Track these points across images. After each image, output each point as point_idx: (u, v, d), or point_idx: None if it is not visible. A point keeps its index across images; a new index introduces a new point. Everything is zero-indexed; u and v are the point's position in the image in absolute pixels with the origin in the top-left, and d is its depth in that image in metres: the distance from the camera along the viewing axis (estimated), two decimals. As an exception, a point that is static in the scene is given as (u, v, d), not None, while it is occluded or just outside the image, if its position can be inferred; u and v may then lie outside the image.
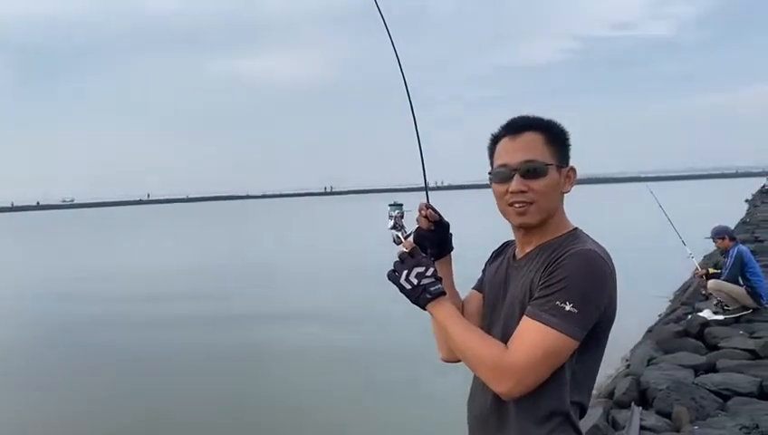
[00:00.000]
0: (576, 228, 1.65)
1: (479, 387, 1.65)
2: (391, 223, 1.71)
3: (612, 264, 1.53)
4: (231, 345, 10.26)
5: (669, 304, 10.74)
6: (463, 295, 1.87)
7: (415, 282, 1.61)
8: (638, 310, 9.31)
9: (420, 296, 1.60)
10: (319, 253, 24.63)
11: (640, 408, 4.87)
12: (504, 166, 1.61)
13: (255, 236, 38.43)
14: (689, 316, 7.83)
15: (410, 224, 1.77)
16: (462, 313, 1.77)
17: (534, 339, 1.46)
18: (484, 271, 1.85)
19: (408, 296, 1.63)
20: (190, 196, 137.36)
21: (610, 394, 5.60)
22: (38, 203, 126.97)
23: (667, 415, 4.72)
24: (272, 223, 50.86)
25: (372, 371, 8.39)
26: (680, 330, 7.29)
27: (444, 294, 1.63)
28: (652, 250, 15.54)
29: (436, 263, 1.78)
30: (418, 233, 1.79)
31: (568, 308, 1.44)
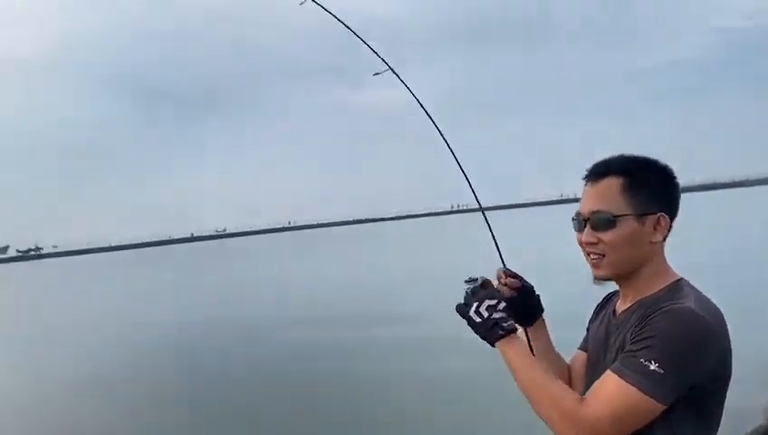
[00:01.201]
0: (679, 280, 1.50)
1: None
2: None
3: (720, 321, 1.38)
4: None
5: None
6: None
7: (485, 314, 1.54)
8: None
9: (491, 331, 1.53)
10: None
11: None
12: (578, 214, 1.54)
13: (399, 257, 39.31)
14: None
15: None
16: (568, 376, 1.72)
17: (612, 394, 1.34)
18: (588, 329, 1.73)
19: (476, 331, 1.56)
20: (333, 220, 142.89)
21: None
22: (192, 235, 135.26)
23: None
24: (410, 243, 52.05)
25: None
26: None
27: (515, 331, 1.55)
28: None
29: (528, 329, 1.76)
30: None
31: (653, 368, 1.31)
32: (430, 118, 2.00)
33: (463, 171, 1.98)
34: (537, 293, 1.78)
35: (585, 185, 1.54)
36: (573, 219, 1.56)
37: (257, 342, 14.42)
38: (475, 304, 1.55)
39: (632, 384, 1.32)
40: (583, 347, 1.71)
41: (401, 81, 2.02)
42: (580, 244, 1.53)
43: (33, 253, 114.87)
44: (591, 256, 1.52)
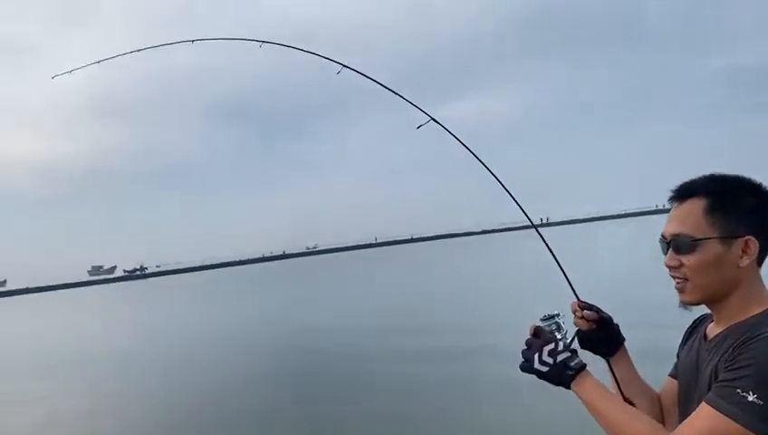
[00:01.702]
0: None
1: None
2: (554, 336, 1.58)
3: None
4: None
5: None
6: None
7: (550, 361, 1.49)
8: None
9: (563, 375, 1.48)
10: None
11: None
12: (662, 237, 1.49)
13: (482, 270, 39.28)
14: None
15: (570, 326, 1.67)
16: (659, 406, 1.65)
17: (706, 426, 1.27)
18: (678, 355, 1.66)
19: (549, 380, 1.51)
20: (414, 236, 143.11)
21: None
22: (284, 252, 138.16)
23: None
24: (497, 256, 51.57)
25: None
26: None
27: (585, 366, 1.50)
28: None
29: (611, 360, 1.71)
30: (581, 336, 1.70)
31: (751, 398, 1.22)
32: (477, 158, 2.09)
33: (508, 191, 2.03)
34: (616, 322, 1.73)
35: (671, 206, 1.49)
36: (660, 241, 1.51)
37: (361, 349, 14.97)
38: (536, 356, 1.51)
39: (729, 416, 1.24)
40: (673, 374, 1.64)
41: (445, 129, 2.13)
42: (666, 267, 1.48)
43: (138, 272, 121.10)
44: (676, 280, 1.47)
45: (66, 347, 23.20)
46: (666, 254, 1.48)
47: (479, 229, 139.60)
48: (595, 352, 1.67)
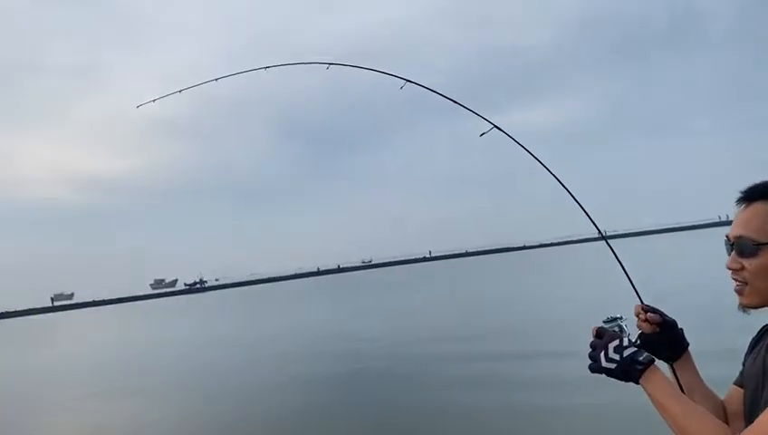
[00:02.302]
0: None
1: None
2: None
3: None
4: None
5: None
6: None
7: (617, 357, 1.49)
8: None
9: (631, 370, 1.47)
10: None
11: None
12: (726, 238, 1.48)
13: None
14: None
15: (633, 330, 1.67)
16: (723, 414, 1.60)
17: None
18: (743, 363, 1.62)
19: (617, 376, 1.50)
20: (468, 250, 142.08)
21: None
22: (339, 266, 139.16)
23: None
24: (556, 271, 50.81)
25: None
26: None
27: (653, 360, 1.49)
28: None
29: (675, 365, 1.69)
30: (645, 339, 1.68)
31: None
32: (543, 165, 2.10)
33: (577, 201, 2.02)
34: (680, 327, 1.71)
35: (737, 208, 1.48)
36: (725, 243, 1.49)
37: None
38: (603, 354, 1.50)
39: None
40: (739, 382, 1.60)
41: (509, 136, 2.16)
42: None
43: (198, 286, 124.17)
44: (736, 282, 1.46)
45: (131, 355, 24.11)
46: (729, 255, 1.47)
47: (537, 243, 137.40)
48: (658, 356, 1.63)
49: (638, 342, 1.64)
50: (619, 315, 1.62)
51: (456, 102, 2.36)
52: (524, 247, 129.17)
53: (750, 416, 1.40)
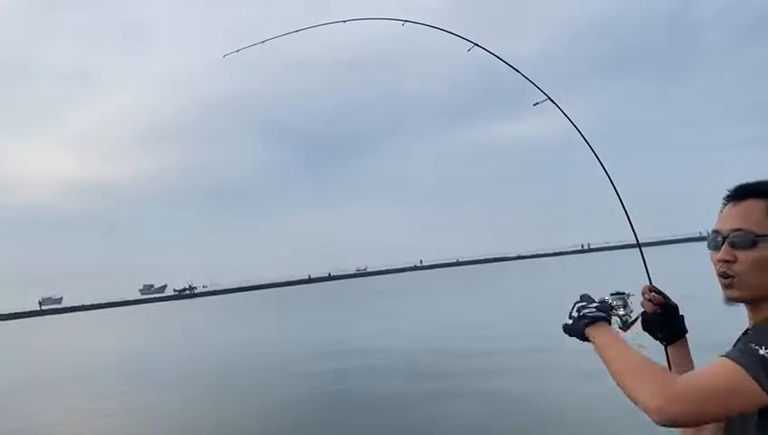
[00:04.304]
0: None
1: None
2: (620, 311, 1.66)
3: None
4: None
5: None
6: None
7: (576, 315, 1.58)
8: None
9: (578, 322, 1.55)
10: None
11: None
12: (715, 232, 1.49)
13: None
14: None
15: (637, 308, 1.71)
16: None
17: (712, 370, 1.29)
18: None
19: (570, 332, 1.59)
20: (460, 259, 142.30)
21: None
22: (329, 274, 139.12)
23: None
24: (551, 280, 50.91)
25: None
26: None
27: (605, 320, 1.55)
28: None
29: (669, 348, 1.74)
30: (644, 318, 1.73)
31: (762, 352, 1.26)
32: (591, 148, 2.11)
33: (622, 205, 2.03)
34: (682, 314, 1.75)
35: (725, 206, 1.50)
36: (708, 237, 1.52)
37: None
38: (570, 312, 1.60)
39: (735, 360, 1.26)
40: None
41: (560, 109, 2.21)
42: (715, 262, 1.48)
43: (187, 291, 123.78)
44: (725, 276, 1.46)
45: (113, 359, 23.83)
46: (716, 249, 1.48)
47: (528, 253, 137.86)
48: (655, 337, 1.69)
49: (639, 318, 1.69)
50: (626, 292, 1.68)
51: (517, 71, 2.39)
52: (521, 257, 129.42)
53: None
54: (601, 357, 1.47)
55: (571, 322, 1.57)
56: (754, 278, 1.41)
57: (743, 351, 1.28)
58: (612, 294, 1.67)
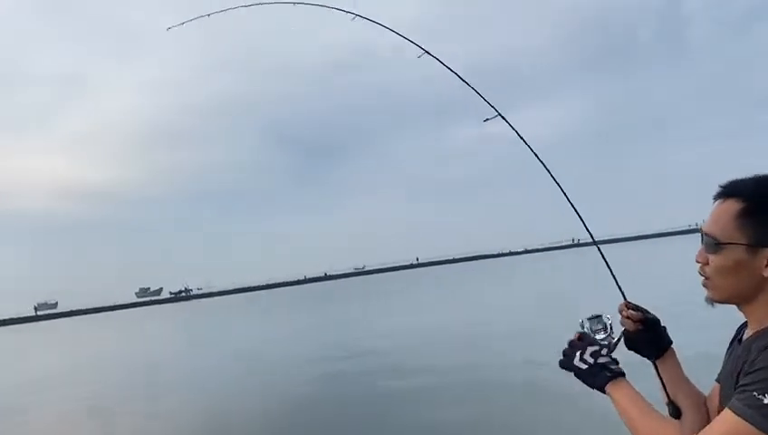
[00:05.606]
0: None
1: None
2: (599, 336, 1.62)
3: None
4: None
5: None
6: None
7: (591, 361, 1.54)
8: None
9: (599, 375, 1.52)
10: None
11: None
12: (701, 230, 1.47)
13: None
14: None
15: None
16: (705, 410, 1.62)
17: (722, 428, 1.28)
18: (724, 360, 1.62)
19: (584, 378, 1.55)
20: (455, 257, 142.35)
21: None
22: (325, 274, 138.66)
23: None
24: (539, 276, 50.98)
25: None
26: None
27: (623, 374, 1.53)
28: None
29: (658, 362, 1.69)
30: (627, 336, 1.68)
31: (766, 401, 1.24)
32: (539, 159, 2.09)
33: (573, 205, 1.99)
34: (663, 325, 1.71)
35: (713, 202, 1.46)
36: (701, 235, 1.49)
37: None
38: (578, 354, 1.56)
39: (742, 416, 1.25)
40: (719, 379, 1.60)
41: (510, 125, 2.14)
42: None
43: (183, 294, 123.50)
44: (702, 276, 1.46)
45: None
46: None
47: (507, 250, 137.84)
48: (641, 354, 1.66)
49: (622, 338, 1.66)
50: (602, 313, 1.66)
51: (467, 84, 2.31)
52: (503, 254, 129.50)
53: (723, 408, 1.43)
54: (619, 412, 1.49)
55: (585, 367, 1.55)
56: (723, 283, 1.41)
57: (747, 402, 1.26)
58: (589, 318, 1.64)
